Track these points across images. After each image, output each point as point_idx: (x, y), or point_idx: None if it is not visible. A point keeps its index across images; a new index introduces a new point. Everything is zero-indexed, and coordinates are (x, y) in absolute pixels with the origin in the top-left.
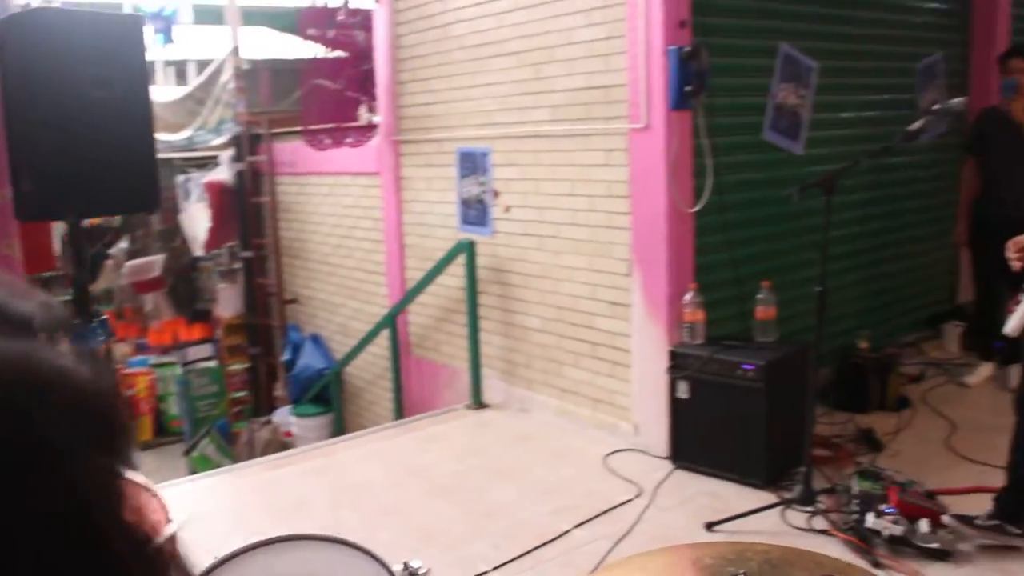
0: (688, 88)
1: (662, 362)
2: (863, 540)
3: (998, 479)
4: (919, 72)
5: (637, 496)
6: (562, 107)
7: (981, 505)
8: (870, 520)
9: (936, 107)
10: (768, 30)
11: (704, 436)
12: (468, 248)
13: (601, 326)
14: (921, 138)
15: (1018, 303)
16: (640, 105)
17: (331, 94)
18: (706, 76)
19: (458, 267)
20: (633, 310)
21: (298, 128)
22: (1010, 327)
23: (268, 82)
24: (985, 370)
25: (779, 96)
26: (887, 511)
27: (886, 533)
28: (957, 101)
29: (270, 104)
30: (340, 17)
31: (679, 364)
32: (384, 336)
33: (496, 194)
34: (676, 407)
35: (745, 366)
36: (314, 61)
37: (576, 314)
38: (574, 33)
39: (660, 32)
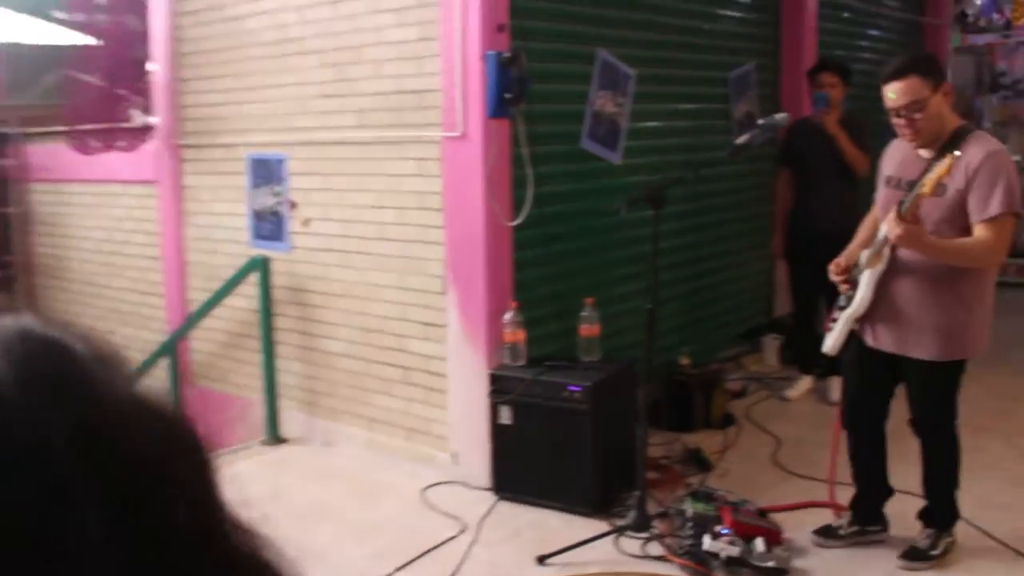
0: (507, 95)
1: (482, 386)
2: (701, 563)
3: (825, 492)
4: (732, 82)
5: (461, 532)
6: (370, 112)
7: (813, 519)
8: (707, 543)
9: (761, 121)
10: (587, 36)
11: (529, 464)
12: (261, 265)
13: (414, 349)
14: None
15: (834, 320)
16: (455, 112)
17: (97, 90)
18: (526, 82)
19: (250, 286)
20: (449, 331)
21: (58, 128)
22: (829, 345)
23: (3, 71)
24: (805, 383)
25: (597, 104)
26: (723, 532)
27: (723, 555)
28: (781, 116)
29: (6, 97)
30: (104, 1)
31: (500, 388)
32: (163, 366)
33: (293, 205)
34: (498, 434)
35: (571, 387)
36: (73, 50)
37: (386, 337)
38: (384, 33)
39: (477, 35)
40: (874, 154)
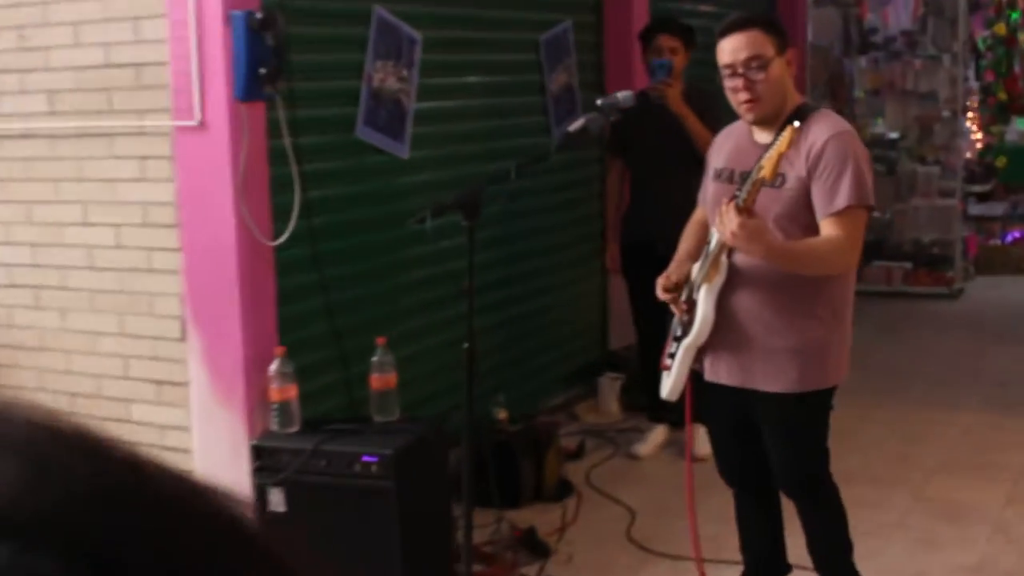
0: (262, 70)
1: (242, 463)
2: None
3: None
4: (544, 47)
5: None
6: (66, 93)
7: None
8: None
9: (600, 102)
10: None
11: (312, 561)
12: None
13: (142, 416)
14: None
15: (672, 355)
16: (190, 93)
17: None
18: (284, 53)
19: None
20: (192, 391)
21: None
22: (667, 389)
23: None
24: (658, 435)
25: (375, 79)
26: None
27: None
28: (625, 95)
29: None
30: None
31: (268, 464)
32: None
33: None
34: (268, 525)
35: (365, 458)
36: None
37: (102, 403)
38: None
39: None
40: None
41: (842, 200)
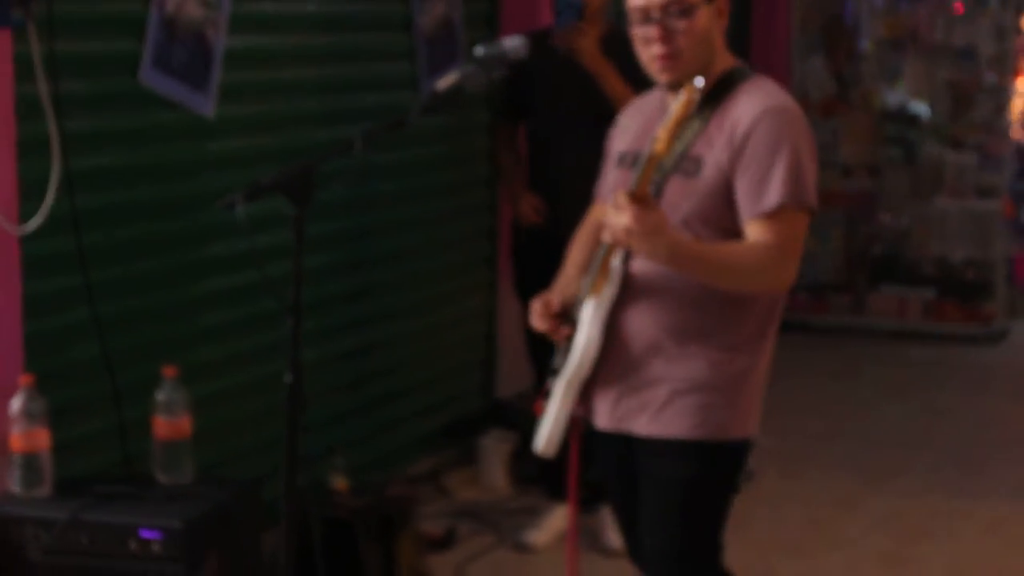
0: None
1: None
2: None
3: None
4: None
5: None
6: None
7: None
8: None
9: (481, 52)
10: None
11: None
12: None
13: None
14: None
15: (547, 395)
16: None
17: None
18: None
19: None
20: None
21: None
22: (541, 440)
23: None
24: (557, 519)
25: (169, 2)
26: None
27: None
28: (514, 42)
29: None
30: None
31: (6, 541)
32: None
33: None
34: None
35: (144, 533)
36: None
37: None
38: None
39: None
40: None
41: (773, 197)
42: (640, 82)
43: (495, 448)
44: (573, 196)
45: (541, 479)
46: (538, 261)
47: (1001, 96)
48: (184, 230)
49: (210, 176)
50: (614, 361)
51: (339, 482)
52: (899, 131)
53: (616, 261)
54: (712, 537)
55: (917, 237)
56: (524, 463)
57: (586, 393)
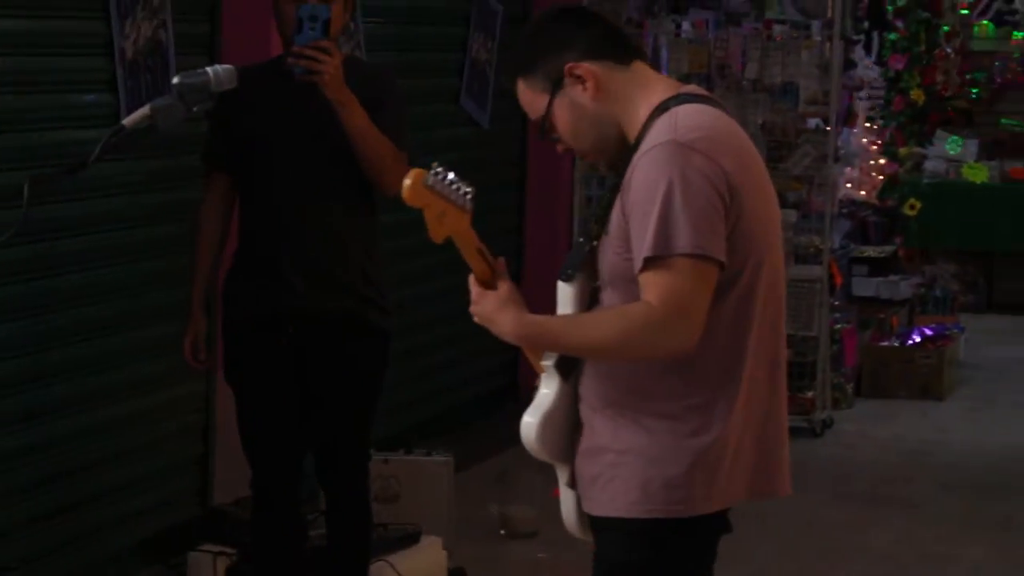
0: None
1: None
2: None
3: None
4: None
5: None
6: None
7: None
8: None
9: (178, 80)
10: None
11: None
12: None
13: None
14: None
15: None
16: None
17: None
18: None
19: None
20: None
21: None
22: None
23: None
24: None
25: None
26: None
27: None
28: (223, 71)
29: None
30: None
31: None
32: None
33: None
34: None
35: None
36: None
37: None
38: None
39: None
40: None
41: (645, 249)
42: (387, 122)
43: (209, 565)
44: (303, 268)
45: None
46: (254, 360)
47: (825, 142)
48: None
49: None
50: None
51: None
52: None
53: None
54: None
55: None
56: None
57: None
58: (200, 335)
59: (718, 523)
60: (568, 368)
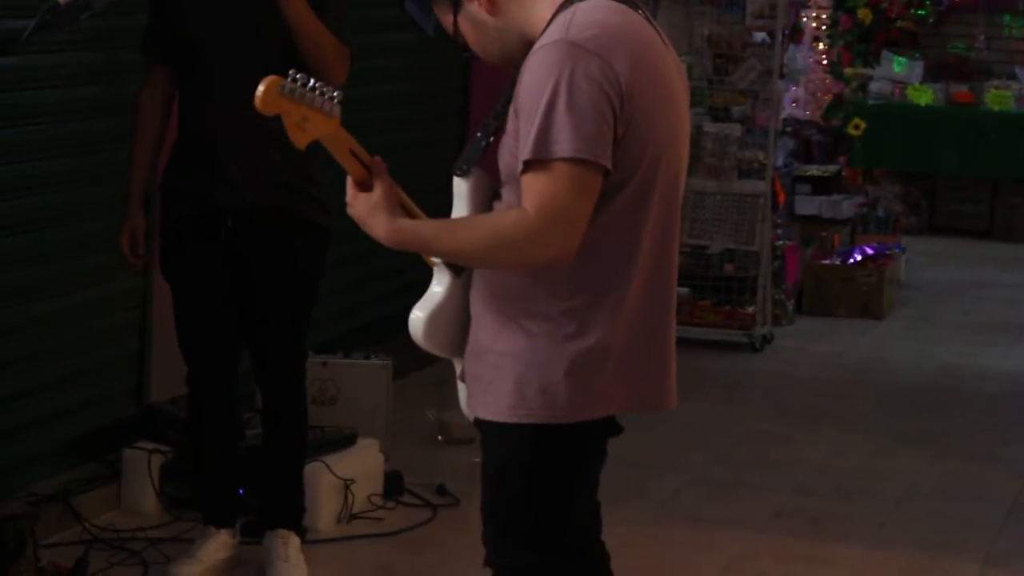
0: None
1: None
2: None
3: None
4: None
5: None
6: None
7: None
8: None
9: None
10: None
11: None
12: None
13: None
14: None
15: None
16: None
17: None
18: None
19: None
20: None
21: None
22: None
23: None
24: (218, 546)
25: None
26: None
27: None
28: None
29: None
30: None
31: None
32: None
33: None
34: None
35: None
36: None
37: None
38: None
39: None
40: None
41: (524, 152)
42: (330, 16)
43: (141, 462)
44: (242, 159)
45: (197, 500)
46: (190, 254)
47: (771, 56)
48: None
49: None
50: (458, 320)
51: None
52: None
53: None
54: (523, 527)
55: None
56: (177, 481)
57: None
58: (138, 230)
59: (602, 427)
60: (459, 265)
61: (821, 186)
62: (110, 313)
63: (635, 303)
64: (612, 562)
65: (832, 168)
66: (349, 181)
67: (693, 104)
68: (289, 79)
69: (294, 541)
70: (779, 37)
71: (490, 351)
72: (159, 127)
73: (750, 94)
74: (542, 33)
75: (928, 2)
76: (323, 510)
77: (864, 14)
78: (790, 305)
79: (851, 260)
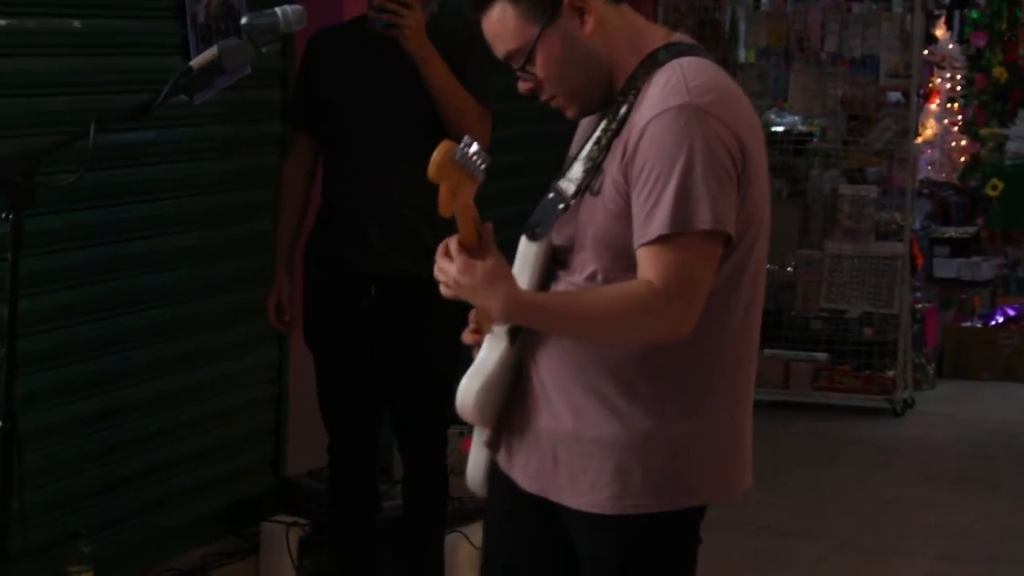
0: None
1: None
2: None
3: None
4: None
5: None
6: None
7: None
8: None
9: (246, 20)
10: None
11: None
12: None
13: None
14: (201, 96)
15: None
16: None
17: None
18: None
19: None
20: None
21: None
22: (469, 474)
23: None
24: None
25: None
26: None
27: None
28: (289, 12)
29: None
30: None
31: None
32: None
33: None
34: None
35: None
36: None
37: None
38: None
39: None
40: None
41: (657, 224)
42: (472, 81)
43: (280, 536)
44: (387, 225)
45: (337, 574)
46: (336, 322)
47: (906, 116)
48: None
49: None
50: (520, 408)
51: (80, 571)
52: (783, 158)
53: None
54: None
55: (803, 289)
56: (316, 555)
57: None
58: (284, 296)
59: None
60: (518, 332)
61: (959, 248)
62: (248, 386)
63: (730, 378)
64: None
65: (970, 229)
66: (456, 246)
67: (828, 166)
68: (463, 144)
69: None
70: (914, 97)
71: (579, 438)
72: (303, 194)
73: (885, 155)
74: (629, 84)
75: None
76: None
77: (999, 72)
78: (931, 369)
79: (992, 322)
